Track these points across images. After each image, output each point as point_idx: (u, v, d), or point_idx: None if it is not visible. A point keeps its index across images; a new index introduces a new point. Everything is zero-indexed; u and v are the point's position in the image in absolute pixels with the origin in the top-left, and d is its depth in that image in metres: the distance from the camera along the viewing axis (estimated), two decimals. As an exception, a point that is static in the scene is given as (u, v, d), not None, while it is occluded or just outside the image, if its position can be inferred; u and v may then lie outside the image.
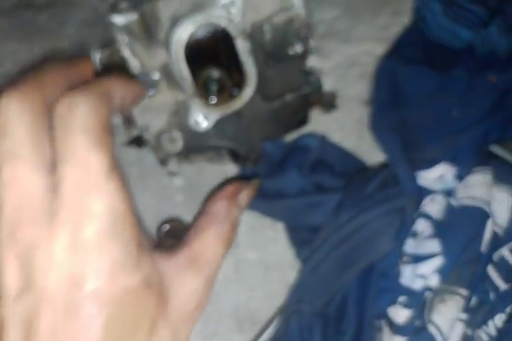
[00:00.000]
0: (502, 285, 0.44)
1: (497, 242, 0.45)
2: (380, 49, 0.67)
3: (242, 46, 0.38)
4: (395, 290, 0.42)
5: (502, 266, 0.45)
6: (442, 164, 0.47)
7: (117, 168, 0.24)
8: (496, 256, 0.46)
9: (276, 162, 0.58)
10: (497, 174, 0.49)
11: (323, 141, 0.58)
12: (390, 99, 0.58)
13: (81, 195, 0.22)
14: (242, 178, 0.57)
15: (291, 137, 0.60)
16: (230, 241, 0.28)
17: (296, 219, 0.53)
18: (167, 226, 0.49)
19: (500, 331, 0.43)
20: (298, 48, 0.43)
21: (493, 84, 0.60)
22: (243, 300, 0.52)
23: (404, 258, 0.42)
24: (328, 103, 0.64)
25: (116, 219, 0.23)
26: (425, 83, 0.60)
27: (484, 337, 0.43)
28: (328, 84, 0.65)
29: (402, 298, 0.42)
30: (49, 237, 0.22)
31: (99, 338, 0.21)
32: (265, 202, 0.54)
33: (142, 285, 0.23)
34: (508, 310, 0.43)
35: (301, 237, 0.53)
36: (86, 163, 0.22)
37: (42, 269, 0.22)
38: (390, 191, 0.46)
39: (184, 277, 0.26)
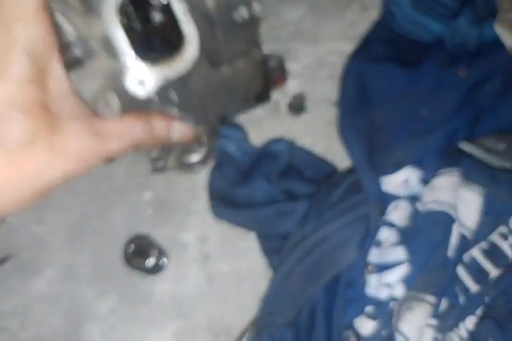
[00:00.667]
0: (473, 287, 0.43)
1: (466, 244, 0.44)
2: (348, 47, 0.66)
3: (177, 6, 0.38)
4: (361, 300, 0.41)
5: (472, 268, 0.44)
6: (407, 168, 0.46)
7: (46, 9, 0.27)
8: (466, 258, 0.45)
9: (244, 169, 0.57)
10: (466, 173, 0.48)
11: (292, 146, 0.58)
12: (358, 101, 0.57)
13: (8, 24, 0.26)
14: (210, 190, 0.57)
15: (259, 142, 0.59)
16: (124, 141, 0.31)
17: (267, 228, 0.52)
18: (133, 245, 0.49)
19: (471, 333, 0.42)
20: (243, 12, 0.41)
21: (462, 79, 0.59)
22: (217, 314, 0.51)
23: (370, 268, 0.41)
24: (297, 105, 0.63)
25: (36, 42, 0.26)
26: (393, 82, 0.59)
27: (456, 339, 0.42)
28: (296, 87, 0.64)
29: (368, 308, 0.41)
30: None
31: None
32: (235, 211, 0.54)
33: None
34: (478, 312, 0.42)
35: (273, 246, 0.52)
36: None
37: None
38: (354, 199, 0.45)
39: None
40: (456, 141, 0.51)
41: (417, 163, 0.47)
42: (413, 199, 0.45)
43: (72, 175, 0.28)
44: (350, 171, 0.52)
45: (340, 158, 0.59)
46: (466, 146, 0.52)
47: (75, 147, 0.28)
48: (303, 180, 0.56)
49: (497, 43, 0.64)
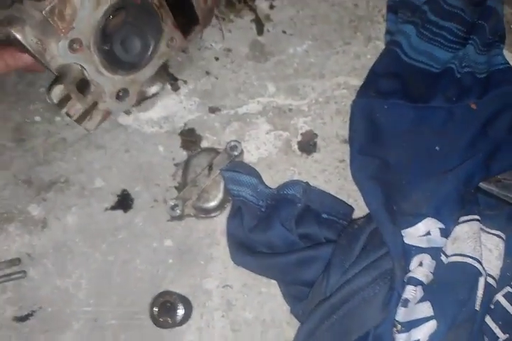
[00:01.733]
0: (502, 336, 0.45)
1: (492, 292, 0.45)
2: (355, 80, 0.67)
3: None
4: (391, 359, 0.42)
5: (498, 314, 0.45)
6: (427, 220, 0.47)
7: None
8: (491, 304, 0.46)
9: (261, 214, 0.58)
10: (485, 217, 0.49)
11: (307, 188, 0.58)
12: (368, 140, 0.57)
13: None
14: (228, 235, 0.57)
15: (272, 183, 0.60)
16: None
17: (288, 276, 0.53)
18: (158, 306, 0.50)
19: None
20: None
21: (473, 113, 0.59)
22: (244, 362, 0.53)
23: (398, 328, 0.43)
24: (308, 144, 0.64)
25: None
26: (403, 118, 0.60)
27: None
28: (305, 124, 0.65)
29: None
30: None
31: None
32: (255, 259, 0.55)
33: None
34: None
35: (295, 293, 0.53)
36: None
37: None
38: (376, 254, 0.46)
39: None
40: (473, 184, 0.52)
41: (436, 212, 0.48)
42: (436, 251, 0.46)
43: None
44: (368, 218, 0.53)
45: (355, 197, 0.60)
46: (483, 185, 0.53)
47: None
48: (320, 222, 0.57)
49: (507, 70, 0.64)
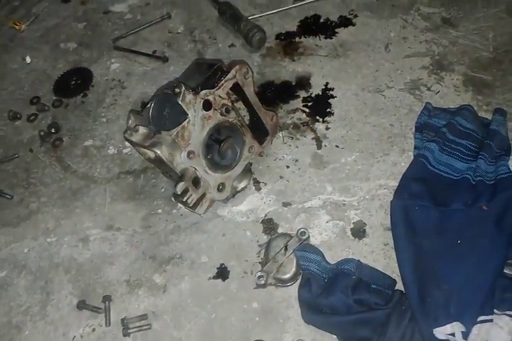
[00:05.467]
0: None
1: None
2: (393, 182, 0.88)
3: None
4: None
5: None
6: (453, 323, 0.65)
7: None
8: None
9: (324, 284, 0.76)
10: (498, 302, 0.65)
11: (359, 264, 0.77)
12: (406, 232, 0.76)
13: None
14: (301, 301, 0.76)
15: (332, 261, 0.79)
16: None
17: (348, 333, 0.70)
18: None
19: None
20: None
21: (485, 212, 0.77)
22: None
23: None
24: (358, 231, 0.84)
25: None
26: (430, 217, 0.78)
27: None
28: (356, 216, 0.86)
29: None
30: None
31: None
32: (321, 318, 0.73)
33: None
34: None
35: (352, 346, 0.70)
36: None
37: None
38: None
39: None
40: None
41: (460, 315, 0.65)
42: None
43: None
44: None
45: (398, 273, 0.77)
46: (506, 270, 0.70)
47: None
48: (370, 291, 0.74)
49: (511, 178, 0.82)
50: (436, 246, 0.74)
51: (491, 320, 0.64)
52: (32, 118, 1.09)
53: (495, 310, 0.65)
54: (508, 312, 0.65)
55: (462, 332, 0.66)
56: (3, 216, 0.94)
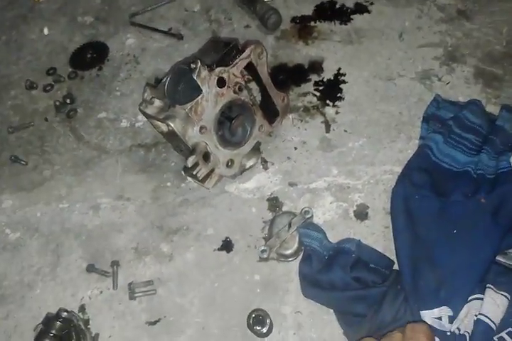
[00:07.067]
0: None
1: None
2: (398, 169, 0.90)
3: None
4: None
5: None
6: (442, 307, 0.67)
7: None
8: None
9: (325, 261, 0.80)
10: (496, 283, 0.68)
11: (359, 243, 0.80)
12: (405, 219, 0.78)
13: None
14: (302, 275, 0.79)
15: (334, 240, 0.82)
16: None
17: (344, 308, 0.73)
18: (253, 317, 0.72)
19: None
20: None
21: (483, 205, 0.79)
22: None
23: None
24: (361, 213, 0.87)
25: None
26: (429, 206, 0.80)
27: None
28: (360, 199, 0.88)
29: None
30: None
31: None
32: (320, 293, 0.76)
33: None
34: None
35: (348, 321, 0.73)
36: None
37: None
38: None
39: None
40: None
41: (449, 300, 0.68)
42: (443, 334, 0.65)
43: None
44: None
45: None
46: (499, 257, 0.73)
47: None
48: (368, 270, 0.77)
49: (511, 172, 0.84)
50: (432, 234, 0.77)
51: (481, 298, 0.67)
52: (48, 88, 1.12)
53: (493, 287, 0.68)
54: (503, 293, 0.68)
55: (449, 316, 0.68)
56: (18, 181, 0.97)
